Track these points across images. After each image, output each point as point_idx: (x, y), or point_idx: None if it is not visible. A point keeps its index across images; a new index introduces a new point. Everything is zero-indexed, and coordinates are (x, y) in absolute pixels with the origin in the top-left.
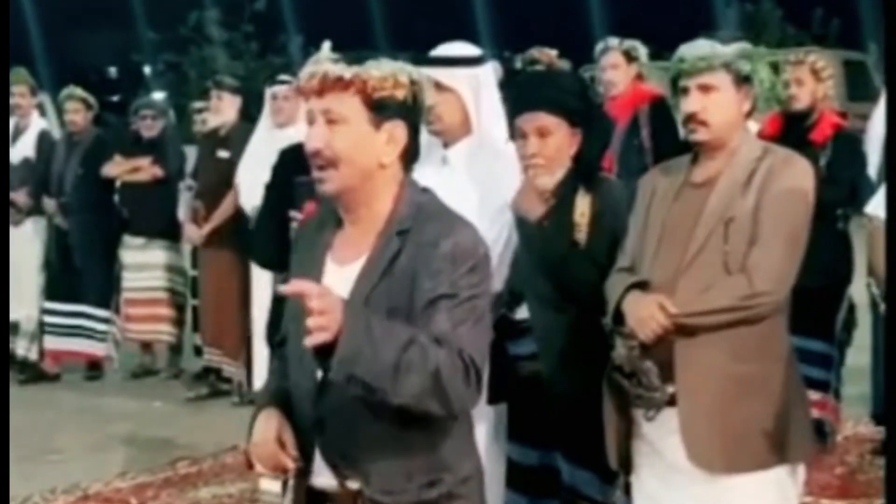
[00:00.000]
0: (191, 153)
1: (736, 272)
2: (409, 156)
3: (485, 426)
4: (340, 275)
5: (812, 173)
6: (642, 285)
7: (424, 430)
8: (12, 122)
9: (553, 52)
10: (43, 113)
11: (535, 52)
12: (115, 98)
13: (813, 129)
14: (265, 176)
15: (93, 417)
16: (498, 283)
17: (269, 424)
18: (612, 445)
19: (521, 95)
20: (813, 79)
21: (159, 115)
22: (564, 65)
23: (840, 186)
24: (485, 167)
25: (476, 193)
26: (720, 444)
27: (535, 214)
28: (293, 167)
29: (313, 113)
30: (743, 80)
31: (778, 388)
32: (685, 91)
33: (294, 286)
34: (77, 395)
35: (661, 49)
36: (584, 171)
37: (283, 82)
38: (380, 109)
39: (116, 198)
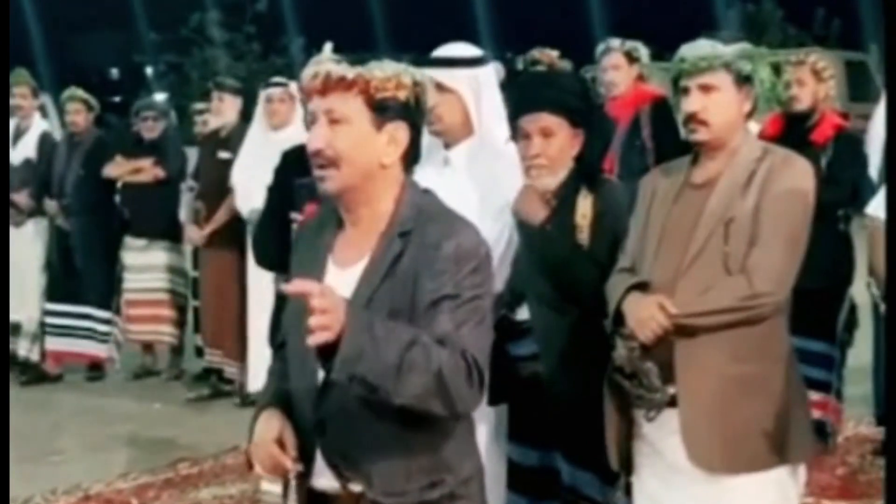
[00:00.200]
0: (192, 154)
1: (736, 273)
2: (411, 157)
3: (485, 427)
4: (342, 277)
5: (812, 173)
6: (643, 286)
7: (425, 430)
8: (14, 123)
9: (554, 53)
10: (44, 114)
11: (536, 53)
12: (117, 99)
13: (814, 129)
14: (260, 178)
15: (94, 418)
16: (499, 283)
17: (269, 425)
18: (613, 446)
19: (522, 96)
20: (814, 79)
21: (160, 117)
22: (565, 65)
23: (841, 187)
24: (486, 168)
25: (477, 194)
26: (721, 445)
27: (537, 218)
28: (295, 168)
29: (315, 113)
30: (744, 81)
31: (778, 389)
32: (686, 91)
33: (296, 285)
34: (78, 395)
35: (663, 49)
36: (585, 172)
37: (277, 85)
38: (382, 110)
39: (118, 199)
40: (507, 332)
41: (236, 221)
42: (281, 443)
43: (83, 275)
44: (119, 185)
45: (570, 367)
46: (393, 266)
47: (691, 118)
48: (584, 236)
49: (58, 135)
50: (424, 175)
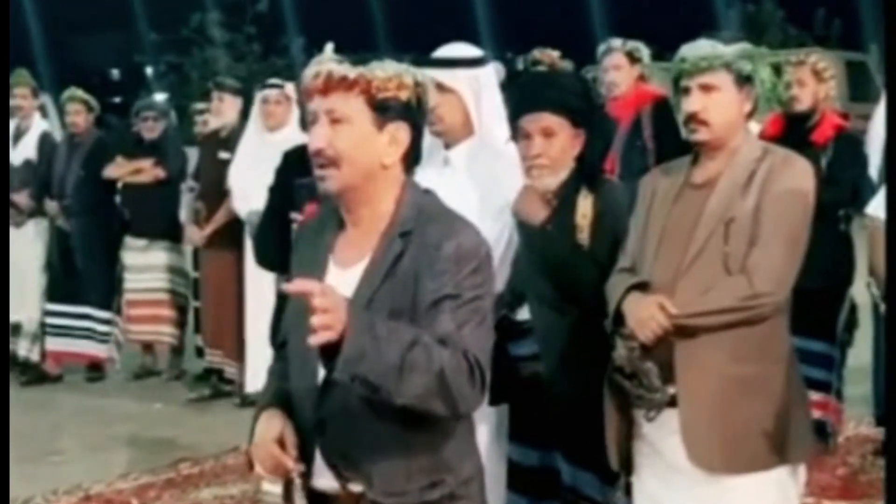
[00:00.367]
0: (192, 154)
1: (736, 273)
2: (412, 157)
3: (486, 427)
4: (343, 277)
5: (812, 173)
6: (643, 286)
7: (426, 431)
8: (14, 123)
9: (555, 53)
10: (44, 114)
11: (537, 53)
12: (117, 100)
13: (814, 129)
14: (257, 179)
15: (94, 418)
16: (499, 283)
17: (270, 426)
18: (613, 446)
19: (523, 96)
20: (814, 80)
21: (161, 117)
22: (566, 66)
23: (841, 187)
24: (486, 168)
25: (477, 194)
26: (721, 445)
27: (537, 218)
28: (296, 169)
29: (317, 112)
30: (744, 81)
31: (778, 389)
32: (686, 91)
33: (297, 285)
34: (78, 396)
35: (663, 50)
36: (586, 172)
37: (273, 86)
38: (383, 110)
39: (118, 199)
40: (507, 332)
41: (236, 222)
42: (282, 443)
43: (83, 275)
44: (119, 185)
45: (571, 367)
46: (393, 266)
47: (692, 118)
48: (584, 236)
49: (58, 135)
50: (425, 175)
